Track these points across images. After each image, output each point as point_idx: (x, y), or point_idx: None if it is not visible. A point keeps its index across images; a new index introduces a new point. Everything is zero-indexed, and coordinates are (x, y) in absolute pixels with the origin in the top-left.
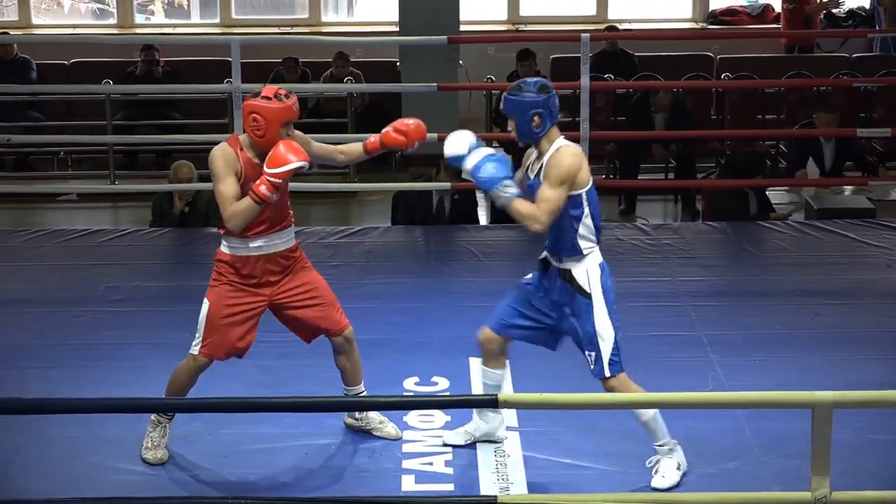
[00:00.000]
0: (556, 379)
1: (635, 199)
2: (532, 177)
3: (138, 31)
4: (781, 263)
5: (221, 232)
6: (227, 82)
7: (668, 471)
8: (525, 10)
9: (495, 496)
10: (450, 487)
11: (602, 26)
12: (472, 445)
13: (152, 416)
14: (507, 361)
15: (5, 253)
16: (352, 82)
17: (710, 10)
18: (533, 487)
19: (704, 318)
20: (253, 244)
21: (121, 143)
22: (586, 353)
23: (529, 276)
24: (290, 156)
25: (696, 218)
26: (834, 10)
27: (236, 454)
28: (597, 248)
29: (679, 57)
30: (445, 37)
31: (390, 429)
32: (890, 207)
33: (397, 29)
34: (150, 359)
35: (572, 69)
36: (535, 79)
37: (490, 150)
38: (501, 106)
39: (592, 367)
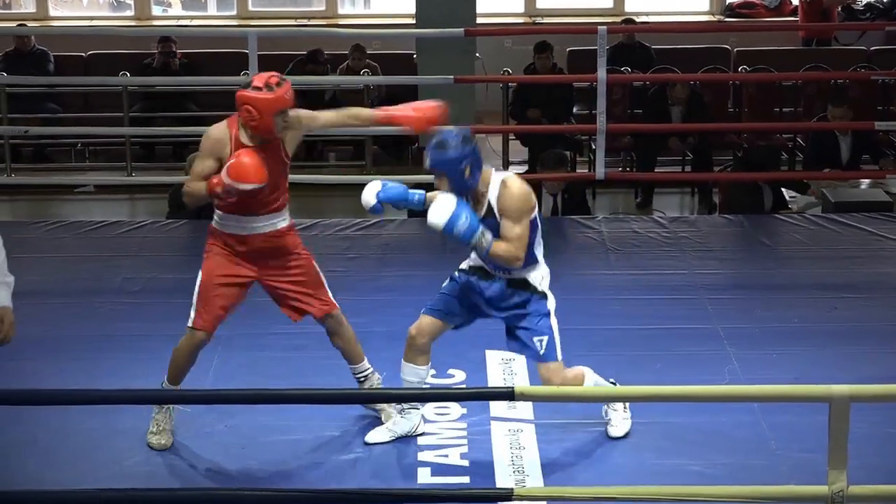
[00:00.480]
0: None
1: (652, 192)
2: (482, 217)
3: (155, 23)
4: (798, 257)
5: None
6: (243, 74)
7: (618, 419)
8: (542, 2)
9: (511, 488)
10: (465, 480)
11: (619, 19)
12: (488, 438)
13: None
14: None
15: (23, 244)
16: (368, 75)
17: (728, 2)
18: (549, 479)
19: (721, 312)
20: (241, 223)
21: (138, 135)
22: (535, 339)
23: (464, 274)
24: (251, 174)
25: (712, 211)
26: (851, 3)
27: (253, 446)
28: (545, 269)
29: (696, 50)
30: (462, 29)
31: (392, 411)
32: None
33: (414, 21)
34: (167, 350)
35: (589, 62)
36: (454, 130)
37: (457, 200)
38: (427, 163)
39: (542, 351)
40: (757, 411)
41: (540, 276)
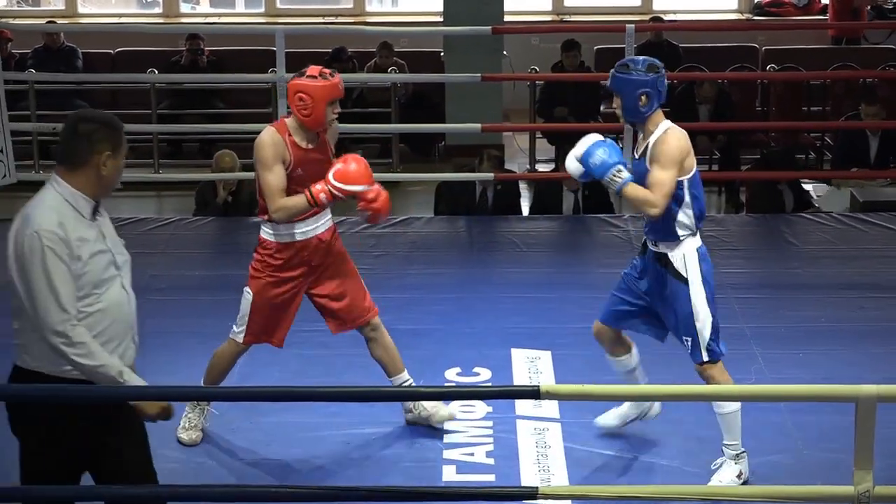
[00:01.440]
0: (597, 371)
1: None
2: (637, 157)
3: (183, 20)
4: (825, 256)
5: (264, 218)
6: (271, 72)
7: (727, 476)
8: (570, 0)
9: (536, 487)
10: (490, 478)
11: (647, 17)
12: (513, 436)
13: None
14: (633, 346)
15: None
16: (396, 72)
17: (756, 1)
18: (574, 478)
19: (748, 311)
20: (297, 229)
21: (165, 132)
22: (683, 338)
23: (632, 263)
24: (362, 177)
25: (739, 210)
26: (881, 2)
27: (278, 442)
28: (694, 235)
29: (724, 48)
30: (490, 27)
31: (443, 411)
32: None
33: (441, 19)
34: (194, 347)
35: (617, 60)
36: (643, 57)
37: (599, 137)
38: (608, 83)
39: (690, 351)
40: (783, 411)
41: (681, 255)
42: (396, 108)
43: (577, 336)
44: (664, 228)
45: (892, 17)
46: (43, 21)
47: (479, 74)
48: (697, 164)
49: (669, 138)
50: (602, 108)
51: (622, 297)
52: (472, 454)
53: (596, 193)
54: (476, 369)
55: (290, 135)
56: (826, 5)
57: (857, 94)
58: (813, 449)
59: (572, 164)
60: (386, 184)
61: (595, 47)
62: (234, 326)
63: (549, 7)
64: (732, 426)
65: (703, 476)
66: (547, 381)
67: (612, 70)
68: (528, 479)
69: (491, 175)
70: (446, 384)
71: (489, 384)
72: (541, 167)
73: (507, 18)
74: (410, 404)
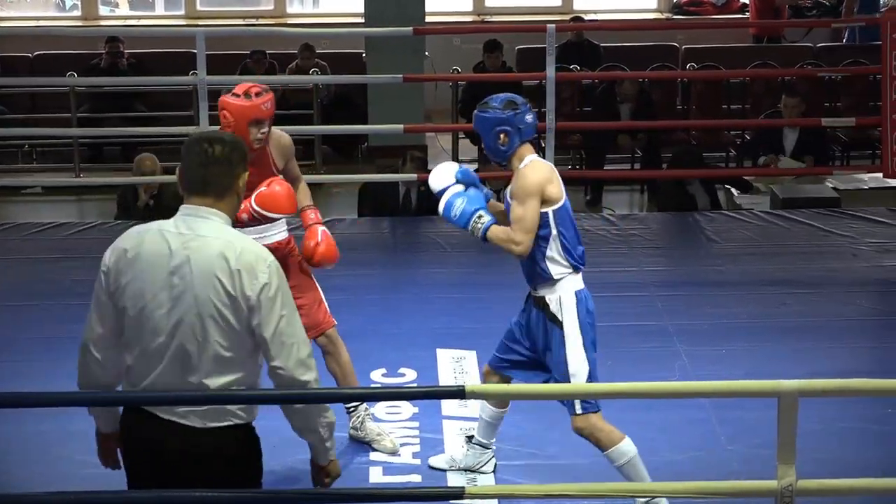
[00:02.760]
0: None
1: (601, 190)
2: (509, 198)
3: (103, 22)
4: (748, 253)
5: None
6: (192, 74)
7: None
8: (491, 1)
9: (463, 487)
10: (418, 478)
11: (568, 17)
12: (440, 436)
13: None
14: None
15: None
16: (317, 74)
17: (675, 0)
18: (500, 479)
19: (671, 308)
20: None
21: (86, 136)
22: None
23: (521, 310)
24: (282, 206)
25: (661, 208)
26: (799, 1)
27: None
28: (573, 275)
29: (644, 47)
30: (411, 28)
31: (387, 442)
32: (854, 196)
33: (363, 20)
34: None
35: (538, 60)
36: (505, 94)
37: (458, 188)
38: (473, 123)
39: (564, 401)
40: (707, 407)
41: (557, 297)
42: (319, 109)
43: (503, 335)
44: (535, 269)
45: (808, 15)
46: None
47: (400, 75)
48: (620, 162)
49: (526, 171)
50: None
51: (507, 345)
52: (398, 455)
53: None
54: (402, 370)
55: None
56: (745, 4)
57: (776, 91)
58: (736, 444)
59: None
60: (309, 185)
61: (517, 47)
62: None
63: (470, 7)
64: (633, 475)
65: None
66: (472, 381)
67: (475, 110)
68: (455, 479)
69: (414, 176)
70: (372, 385)
71: (415, 385)
72: (462, 164)
73: (428, 19)
74: (358, 422)
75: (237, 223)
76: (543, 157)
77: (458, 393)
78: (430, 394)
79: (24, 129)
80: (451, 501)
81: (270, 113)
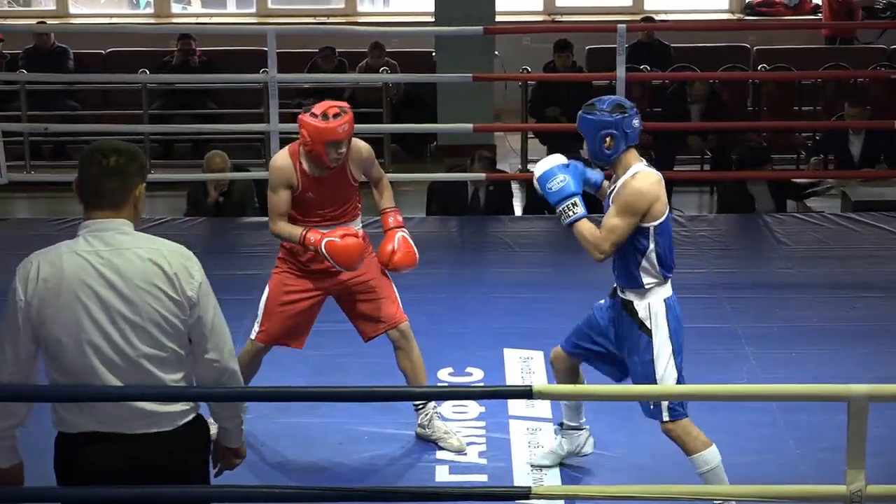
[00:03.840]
0: (588, 371)
1: (671, 191)
2: (610, 201)
3: (175, 20)
4: (817, 256)
5: None
6: (262, 72)
7: None
8: (561, 0)
9: (529, 487)
10: (483, 478)
11: (638, 17)
12: (506, 436)
13: None
14: (583, 376)
15: (41, 241)
16: (387, 72)
17: (747, 1)
18: (566, 478)
19: (740, 311)
20: None
21: (157, 133)
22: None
23: (604, 299)
24: (348, 259)
25: (722, 207)
26: (872, 3)
27: (272, 443)
28: (663, 284)
29: (715, 48)
30: (481, 27)
31: (454, 441)
32: None
33: (433, 19)
34: None
35: (608, 60)
36: (611, 97)
37: (563, 159)
38: (577, 124)
39: (651, 407)
40: (775, 410)
41: (646, 304)
42: (388, 108)
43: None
44: (628, 275)
45: (882, 17)
46: (34, 21)
47: (470, 74)
48: (690, 163)
49: (634, 182)
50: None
51: (588, 333)
52: (465, 454)
53: (588, 194)
54: (469, 369)
55: (300, 162)
56: (817, 5)
57: (848, 93)
58: (805, 448)
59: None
60: None
61: (587, 47)
62: (254, 324)
63: (540, 7)
64: (714, 482)
65: (695, 475)
66: (539, 381)
67: (580, 111)
68: (521, 479)
69: (482, 175)
70: (439, 384)
71: (482, 384)
72: (533, 167)
73: (498, 18)
74: (426, 420)
75: (304, 247)
76: None
77: (526, 393)
78: (498, 393)
79: (97, 126)
80: (517, 501)
81: (348, 134)
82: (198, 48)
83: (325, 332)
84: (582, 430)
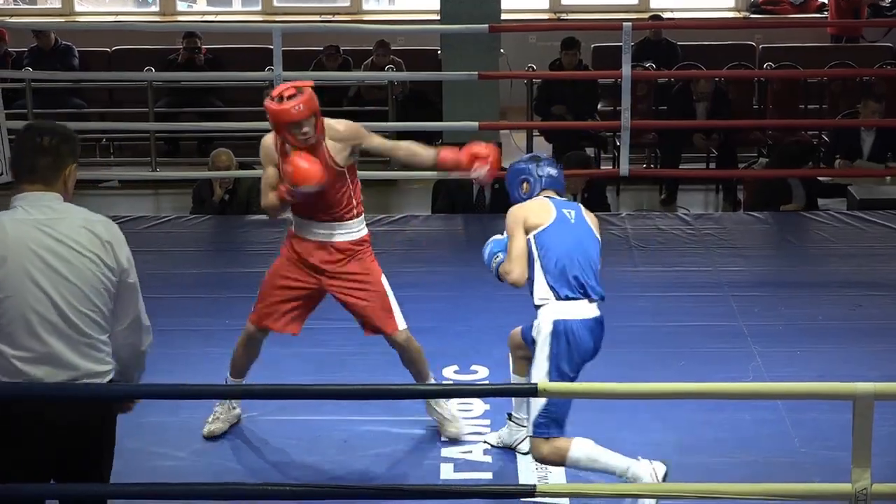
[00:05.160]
0: (592, 369)
1: (676, 189)
2: None
3: (180, 18)
4: (823, 254)
5: None
6: (268, 70)
7: None
8: None
9: (534, 485)
10: (488, 476)
11: (645, 15)
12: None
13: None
14: None
15: None
16: (393, 70)
17: None
18: (571, 477)
19: (745, 309)
20: (303, 228)
21: (162, 131)
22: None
23: None
24: (308, 175)
25: (737, 208)
26: (878, 0)
27: (276, 441)
28: (556, 303)
29: (721, 46)
30: (486, 25)
31: (454, 429)
32: None
33: (438, 17)
34: (190, 346)
35: (614, 58)
36: (531, 153)
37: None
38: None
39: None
40: (781, 409)
41: (537, 324)
42: (393, 106)
43: None
44: (529, 290)
45: (888, 14)
46: (39, 20)
47: (476, 72)
48: (695, 161)
49: (511, 208)
50: (599, 105)
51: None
52: (469, 452)
53: (594, 193)
54: (474, 367)
55: (282, 145)
56: (823, 3)
57: (854, 92)
58: (810, 447)
59: None
60: (383, 182)
61: (592, 45)
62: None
63: (546, 5)
64: (602, 464)
65: (701, 473)
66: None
67: None
68: (526, 476)
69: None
70: (444, 382)
71: (487, 382)
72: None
73: (504, 17)
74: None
75: (282, 203)
76: (618, 155)
77: (531, 391)
78: (503, 391)
79: (102, 124)
80: (523, 499)
81: (303, 115)
82: (203, 46)
83: (328, 329)
84: (523, 427)
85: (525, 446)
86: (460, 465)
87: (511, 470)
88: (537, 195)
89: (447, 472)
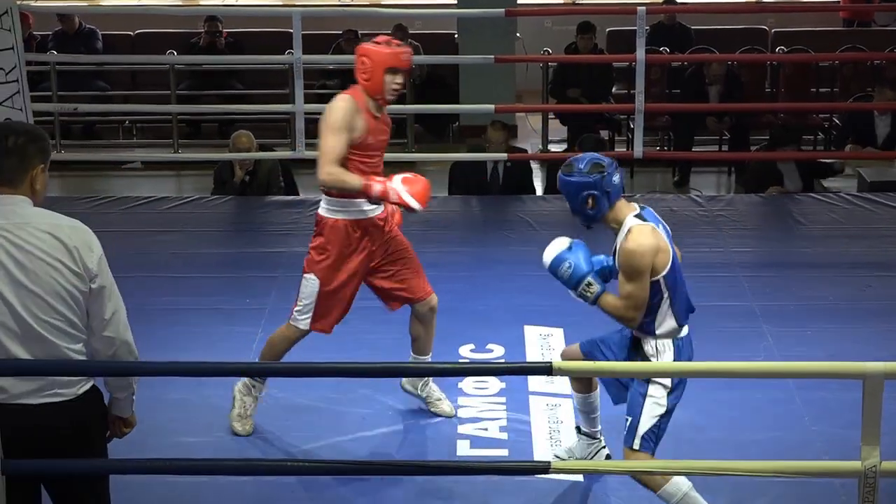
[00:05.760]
0: None
1: (689, 171)
2: (616, 265)
3: (202, 2)
4: (833, 235)
5: (326, 195)
6: (288, 53)
7: None
8: None
9: (549, 461)
10: (504, 452)
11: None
12: (526, 411)
13: (244, 381)
14: (598, 388)
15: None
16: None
17: None
18: None
19: (757, 289)
20: (356, 208)
21: (184, 113)
22: (626, 416)
23: None
24: (422, 198)
25: (747, 185)
26: None
27: (295, 418)
28: (676, 328)
29: (734, 30)
30: (503, 10)
31: (445, 406)
32: None
33: (455, 1)
34: (212, 324)
35: (628, 42)
36: (589, 155)
37: (564, 245)
38: (558, 185)
39: (625, 431)
40: (791, 388)
41: (654, 348)
42: (411, 89)
43: (588, 314)
44: (641, 328)
45: None
46: (64, 3)
47: (492, 56)
48: (708, 144)
49: (628, 245)
50: (614, 89)
51: (603, 347)
52: (485, 429)
53: None
54: (490, 346)
55: (364, 102)
56: None
57: (865, 76)
58: (820, 425)
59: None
60: (401, 163)
61: (607, 29)
62: (294, 312)
63: None
64: None
65: (712, 451)
66: (559, 357)
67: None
68: (541, 453)
69: (504, 155)
70: (461, 360)
71: (503, 360)
72: (553, 147)
73: (520, 1)
74: (419, 382)
75: (363, 195)
76: (632, 138)
77: (546, 369)
78: (518, 370)
79: (125, 106)
80: (537, 475)
81: (408, 64)
82: (224, 30)
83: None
84: (595, 440)
85: (602, 458)
86: (476, 441)
87: (526, 447)
88: (609, 209)
89: (464, 449)
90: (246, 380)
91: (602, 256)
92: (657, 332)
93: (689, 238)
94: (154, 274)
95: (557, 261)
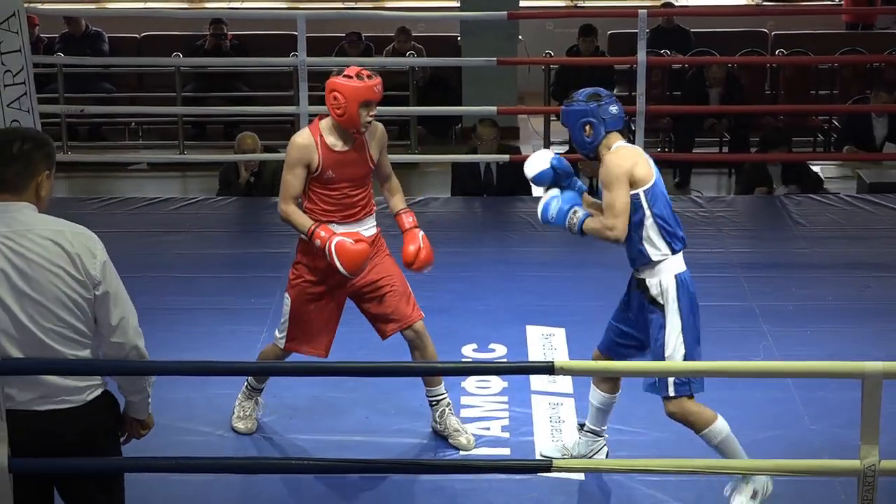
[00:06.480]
0: None
1: (690, 172)
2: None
3: (207, 5)
4: (833, 236)
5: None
6: (292, 56)
7: (743, 499)
8: None
9: (551, 460)
10: (506, 451)
11: (659, 3)
12: (528, 411)
13: (244, 387)
14: (620, 390)
15: (78, 220)
16: (413, 56)
17: None
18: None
19: (757, 289)
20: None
21: (190, 115)
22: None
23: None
24: (353, 264)
25: (742, 186)
26: None
27: (299, 417)
28: (673, 257)
29: (734, 33)
30: (505, 12)
31: (463, 438)
32: None
33: (458, 4)
34: (217, 324)
35: (630, 44)
36: (590, 88)
37: (553, 192)
38: (560, 118)
39: (655, 382)
40: (791, 387)
41: (657, 281)
42: (414, 91)
43: (590, 313)
44: (635, 251)
45: None
46: (70, 6)
47: (494, 58)
48: (708, 145)
49: (610, 157)
50: (615, 91)
51: (618, 327)
52: (488, 428)
53: None
54: (492, 345)
55: (322, 137)
56: None
57: (865, 78)
58: (819, 424)
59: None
60: (404, 164)
61: (608, 32)
62: (276, 330)
63: None
64: (729, 452)
65: (709, 451)
66: (561, 357)
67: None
68: (543, 452)
69: (506, 157)
70: (463, 360)
71: (505, 360)
72: (555, 149)
73: (522, 3)
74: (438, 415)
75: (309, 240)
76: (633, 140)
77: (548, 368)
78: (520, 369)
79: (131, 108)
80: (539, 474)
81: (381, 96)
82: (229, 32)
83: (350, 308)
84: (600, 437)
85: (603, 454)
86: (479, 440)
87: (528, 446)
88: (604, 137)
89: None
90: (245, 387)
91: (578, 182)
92: (653, 257)
93: (689, 238)
94: (160, 274)
95: (549, 202)
